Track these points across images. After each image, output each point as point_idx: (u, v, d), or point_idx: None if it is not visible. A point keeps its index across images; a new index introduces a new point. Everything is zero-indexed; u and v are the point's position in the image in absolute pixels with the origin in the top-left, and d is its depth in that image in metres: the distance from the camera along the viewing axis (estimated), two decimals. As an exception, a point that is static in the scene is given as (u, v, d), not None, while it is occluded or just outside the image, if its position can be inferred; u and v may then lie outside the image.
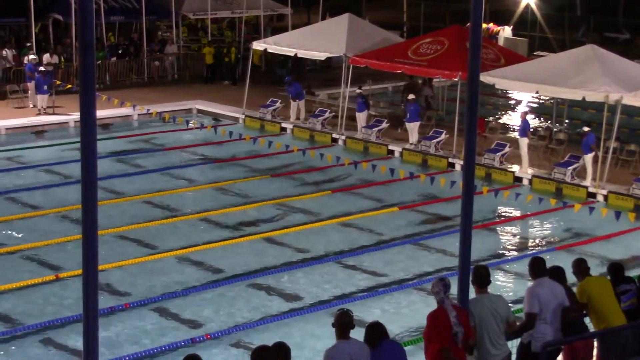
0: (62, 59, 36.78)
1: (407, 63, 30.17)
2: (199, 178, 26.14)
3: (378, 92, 38.44)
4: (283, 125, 32.41)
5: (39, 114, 31.84)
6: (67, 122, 31.53)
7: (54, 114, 31.91)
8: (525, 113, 28.71)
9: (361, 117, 31.11)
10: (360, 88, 32.12)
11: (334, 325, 9.70)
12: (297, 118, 32.80)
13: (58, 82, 34.00)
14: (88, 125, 6.73)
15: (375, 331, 10.00)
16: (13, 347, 15.65)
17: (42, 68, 32.67)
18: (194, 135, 31.28)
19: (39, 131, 31.03)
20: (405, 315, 17.08)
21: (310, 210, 23.52)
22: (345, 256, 20.32)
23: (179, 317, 16.94)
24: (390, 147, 29.63)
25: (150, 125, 32.38)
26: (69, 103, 32.49)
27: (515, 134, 29.55)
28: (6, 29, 40.56)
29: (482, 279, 10.57)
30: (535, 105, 36.48)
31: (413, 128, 29.61)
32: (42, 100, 32.08)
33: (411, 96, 30.44)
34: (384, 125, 30.73)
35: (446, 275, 10.75)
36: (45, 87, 32.04)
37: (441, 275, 13.77)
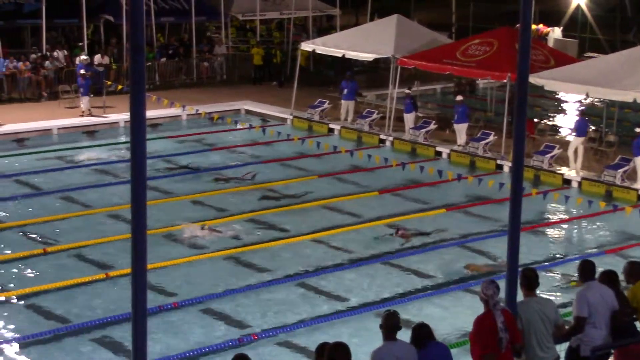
0: (113, 60, 37.10)
1: (456, 64, 30.05)
2: (247, 178, 26.20)
3: (426, 93, 38.30)
4: (331, 126, 32.43)
5: (82, 116, 32.07)
6: (117, 122, 31.82)
7: (97, 115, 32.10)
8: (582, 112, 28.46)
9: (409, 118, 31.05)
10: (409, 89, 32.05)
11: (381, 326, 9.70)
12: (346, 119, 32.82)
13: (109, 83, 34.31)
14: (138, 126, 6.78)
15: (422, 332, 9.98)
16: (63, 346, 15.82)
17: (82, 71, 32.91)
18: (242, 135, 31.41)
19: (89, 131, 31.33)
20: (452, 317, 17.01)
21: (358, 212, 23.51)
22: (393, 257, 20.28)
23: (226, 317, 17.02)
24: (438, 149, 29.53)
25: (199, 125, 32.57)
26: (119, 103, 32.78)
27: (567, 136, 29.32)
28: (58, 30, 41.00)
29: (531, 281, 10.50)
30: (585, 107, 36.12)
31: (461, 129, 29.49)
32: (84, 102, 32.33)
33: (459, 97, 30.32)
34: (432, 126, 30.63)
35: (495, 278, 10.68)
36: (82, 90, 32.30)
37: (490, 278, 13.72)
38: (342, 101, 33.05)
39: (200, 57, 40.22)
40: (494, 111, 33.55)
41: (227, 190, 24.83)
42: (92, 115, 32.06)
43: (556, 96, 37.53)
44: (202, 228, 21.39)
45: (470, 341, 10.20)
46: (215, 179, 24.19)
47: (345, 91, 32.99)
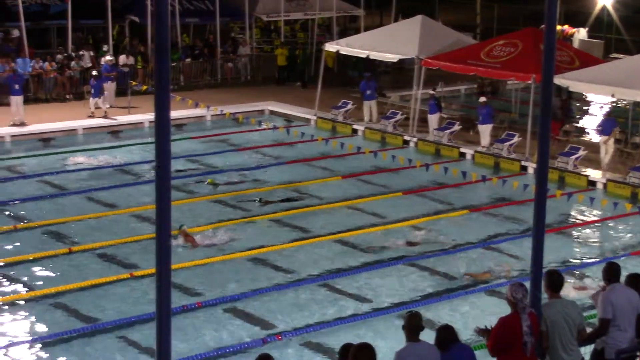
0: (139, 60, 37.24)
1: (480, 65, 29.97)
2: (270, 179, 26.25)
3: (451, 94, 38.23)
4: (354, 126, 32.42)
5: (90, 117, 32.02)
6: (141, 123, 31.93)
7: (109, 117, 32.07)
8: (609, 113, 28.31)
9: (433, 119, 31.00)
10: (433, 90, 32.00)
11: (403, 327, 9.69)
12: (370, 119, 32.80)
13: (134, 83, 34.44)
14: (162, 126, 6.81)
15: (446, 334, 9.97)
16: (88, 345, 15.90)
17: (94, 72, 33.00)
18: (266, 136, 31.44)
19: (114, 131, 31.46)
20: (476, 318, 16.94)
21: (382, 212, 23.49)
22: (416, 259, 20.25)
23: (250, 318, 17.05)
24: (462, 150, 29.46)
25: (223, 125, 32.62)
26: (144, 103, 32.89)
27: (592, 138, 29.20)
28: (84, 31, 41.20)
29: (556, 283, 10.46)
30: (611, 108, 35.93)
31: (485, 130, 29.42)
32: (93, 103, 32.31)
33: (482, 99, 30.24)
34: (456, 127, 30.57)
35: (520, 280, 10.64)
36: (92, 91, 32.33)
37: (516, 280, 13.68)
38: (364, 102, 33.04)
39: (224, 58, 40.29)
40: (519, 112, 33.42)
41: (250, 191, 24.86)
42: (105, 117, 31.99)
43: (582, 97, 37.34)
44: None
45: (490, 338, 10.13)
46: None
47: (369, 92, 32.98)
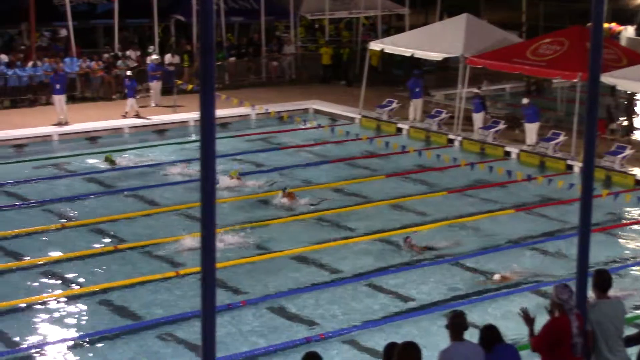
0: (185, 59, 37.45)
1: (526, 63, 29.79)
2: (315, 177, 26.28)
3: (496, 93, 38.02)
4: (399, 125, 32.36)
5: (124, 117, 32.09)
6: (187, 121, 32.11)
7: (143, 117, 32.13)
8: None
9: (478, 118, 30.86)
10: (478, 89, 31.85)
11: (447, 326, 9.66)
12: (414, 118, 32.72)
13: (179, 82, 34.64)
14: (207, 124, 6.85)
15: (490, 334, 9.92)
16: (134, 341, 16.02)
17: (129, 73, 33.13)
18: (310, 135, 31.48)
19: (160, 130, 31.66)
20: (520, 319, 16.84)
21: (426, 211, 23.43)
22: (461, 258, 20.17)
23: (293, 316, 17.09)
24: (507, 149, 29.30)
25: (268, 124, 32.71)
26: (189, 102, 33.07)
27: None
28: (130, 30, 41.53)
29: (603, 283, 10.36)
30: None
31: (532, 129, 29.22)
32: (129, 104, 32.33)
33: (525, 100, 30.03)
34: (501, 126, 30.41)
35: (565, 281, 10.56)
36: (127, 91, 32.42)
37: (563, 280, 13.57)
38: (412, 100, 32.98)
39: (269, 57, 40.40)
40: (564, 111, 33.17)
41: (294, 190, 24.91)
42: (138, 117, 32.04)
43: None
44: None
45: (538, 335, 10.06)
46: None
47: (417, 90, 32.92)
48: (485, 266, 19.66)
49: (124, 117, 32.10)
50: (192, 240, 20.02)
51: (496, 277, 18.87)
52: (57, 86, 31.17)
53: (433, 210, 23.54)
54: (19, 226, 21.52)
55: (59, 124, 30.71)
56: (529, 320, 10.19)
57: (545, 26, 46.01)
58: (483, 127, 30.48)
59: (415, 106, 32.86)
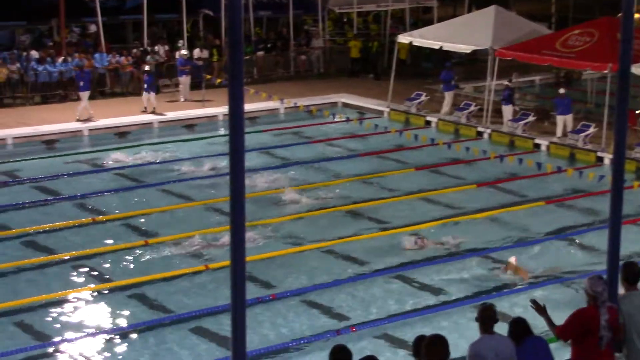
0: (214, 53, 37.52)
1: (555, 55, 29.62)
2: (344, 171, 26.28)
3: (525, 85, 37.84)
4: (428, 118, 32.30)
5: (144, 112, 32.05)
6: (216, 116, 32.19)
7: (159, 113, 32.05)
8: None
9: (507, 110, 30.73)
10: (509, 81, 31.72)
11: (477, 319, 9.64)
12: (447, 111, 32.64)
13: (208, 77, 34.73)
14: (236, 119, 6.87)
15: (520, 327, 9.90)
16: (164, 335, 16.10)
17: (147, 68, 33.10)
18: (339, 128, 31.48)
19: (189, 124, 31.76)
20: (550, 311, 16.77)
21: (455, 204, 23.38)
22: (490, 251, 20.12)
23: (323, 309, 17.11)
24: (536, 141, 29.17)
25: (296, 118, 32.74)
26: (218, 97, 33.16)
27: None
28: (159, 25, 41.67)
29: (633, 275, 10.30)
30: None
31: (566, 120, 29.04)
32: (147, 99, 32.24)
33: (562, 90, 29.87)
34: (530, 118, 30.27)
35: (595, 273, 10.49)
36: (145, 86, 32.32)
37: (594, 273, 13.47)
38: (444, 92, 32.92)
39: (297, 51, 40.42)
40: (594, 102, 32.97)
41: (323, 184, 24.93)
42: (155, 113, 31.90)
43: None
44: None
45: (562, 330, 10.02)
46: None
47: (450, 82, 32.85)
48: (519, 259, 19.54)
49: (143, 112, 32.06)
50: (220, 235, 20.10)
51: (512, 259, 18.79)
52: (81, 83, 31.28)
53: (462, 203, 23.48)
54: (51, 221, 21.67)
55: (82, 120, 30.71)
56: (540, 309, 10.17)
57: (574, 17, 45.74)
58: (512, 120, 30.35)
59: (449, 98, 32.77)
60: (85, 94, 31.12)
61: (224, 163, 25.97)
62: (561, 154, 28.27)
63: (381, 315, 16.82)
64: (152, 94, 32.20)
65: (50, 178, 25.22)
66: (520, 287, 18.06)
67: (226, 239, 18.98)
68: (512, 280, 18.45)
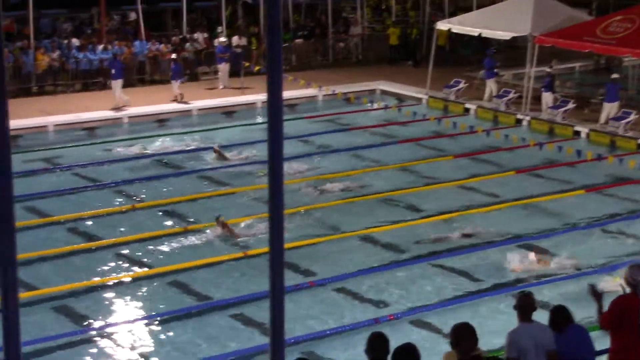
0: (253, 41, 37.58)
1: (596, 42, 29.36)
2: (383, 158, 26.25)
3: (565, 72, 37.55)
4: (466, 105, 32.17)
5: (175, 100, 31.92)
6: (254, 103, 32.25)
7: (185, 102, 31.86)
8: None
9: (548, 98, 30.52)
10: (550, 68, 31.50)
11: (515, 307, 9.62)
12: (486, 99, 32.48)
13: (247, 64, 34.80)
14: (275, 106, 6.88)
15: (560, 315, 9.86)
16: (203, 322, 16.20)
17: (174, 56, 32.98)
18: (378, 115, 31.43)
19: (228, 112, 31.86)
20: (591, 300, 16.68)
21: (494, 192, 23.29)
22: (528, 239, 20.01)
23: (362, 297, 17.12)
24: (576, 128, 28.96)
25: (334, 105, 32.72)
26: (257, 84, 33.23)
27: None
28: (198, 12, 41.78)
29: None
30: None
31: (611, 108, 28.77)
32: (175, 87, 32.12)
33: (614, 75, 29.59)
34: (570, 105, 30.05)
35: (636, 262, 10.44)
36: (171, 74, 32.17)
37: (633, 261, 13.39)
38: (487, 80, 32.77)
39: (336, 38, 40.38)
40: (635, 89, 32.65)
41: (362, 171, 24.93)
42: (181, 102, 31.77)
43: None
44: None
45: (604, 319, 9.97)
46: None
47: (492, 69, 32.67)
48: (552, 248, 19.46)
49: (174, 101, 31.89)
50: (259, 221, 20.15)
51: (531, 256, 18.61)
52: (112, 71, 31.31)
53: (501, 190, 23.38)
54: (91, 208, 21.84)
55: (116, 109, 30.79)
56: (596, 295, 10.11)
57: (615, 3, 45.22)
58: (552, 107, 30.15)
59: (492, 86, 32.58)
60: (117, 82, 31.11)
61: (262, 150, 26.02)
62: (601, 141, 28.05)
63: (420, 302, 16.80)
64: (178, 82, 32.14)
65: (91, 165, 25.41)
66: (560, 276, 17.94)
67: (265, 226, 19.03)
68: (551, 268, 18.31)
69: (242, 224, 20.54)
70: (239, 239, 19.77)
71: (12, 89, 31.46)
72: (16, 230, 3.23)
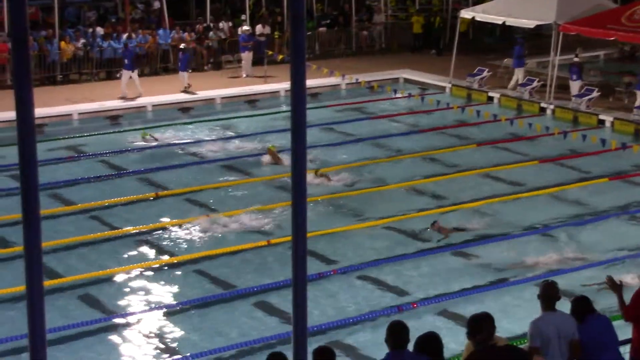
0: (276, 29, 37.57)
1: (621, 30, 29.17)
2: (406, 147, 26.21)
3: (589, 60, 37.34)
4: (490, 94, 32.05)
5: (184, 91, 31.56)
6: (277, 92, 32.27)
7: (191, 92, 31.53)
8: None
9: (575, 86, 30.33)
10: (576, 56, 31.30)
11: (539, 296, 9.60)
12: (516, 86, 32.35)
13: (270, 52, 34.79)
14: (298, 95, 6.88)
15: (582, 305, 9.83)
16: (225, 310, 16.25)
17: (182, 46, 32.66)
18: (401, 104, 31.39)
19: (251, 100, 31.89)
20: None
21: (517, 181, 23.22)
22: (552, 228, 19.95)
23: (385, 285, 17.13)
24: (600, 117, 28.80)
25: (358, 94, 32.68)
26: (280, 73, 33.23)
27: None
28: (222, 1, 41.78)
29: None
30: None
31: None
32: (183, 78, 31.78)
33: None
34: (595, 94, 29.89)
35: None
36: (179, 64, 31.87)
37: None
38: (515, 68, 32.63)
39: (359, 26, 40.30)
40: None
41: (385, 160, 24.91)
42: (188, 92, 31.43)
43: None
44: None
45: (628, 311, 9.95)
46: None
47: (521, 57, 32.53)
48: (576, 237, 19.39)
49: (184, 91, 31.53)
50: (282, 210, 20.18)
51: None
52: (125, 61, 31.08)
53: (525, 179, 23.31)
54: (115, 196, 21.94)
55: (124, 98, 30.52)
56: (615, 287, 10.08)
57: (641, -9, 44.94)
58: (576, 95, 30.01)
59: (519, 73, 32.40)
60: (126, 73, 30.81)
61: (285, 139, 26.05)
62: (626, 130, 27.89)
63: (443, 291, 16.79)
64: (186, 73, 31.80)
65: (115, 153, 25.51)
66: (583, 264, 17.89)
67: (287, 214, 19.06)
68: (574, 258, 18.26)
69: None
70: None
71: (37, 78, 31.63)
72: (41, 218, 3.26)
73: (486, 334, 8.59)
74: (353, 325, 15.55)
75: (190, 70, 32.56)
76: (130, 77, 30.85)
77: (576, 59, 30.89)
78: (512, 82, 32.44)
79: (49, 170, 23.12)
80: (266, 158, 22.14)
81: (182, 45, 32.95)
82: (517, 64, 32.64)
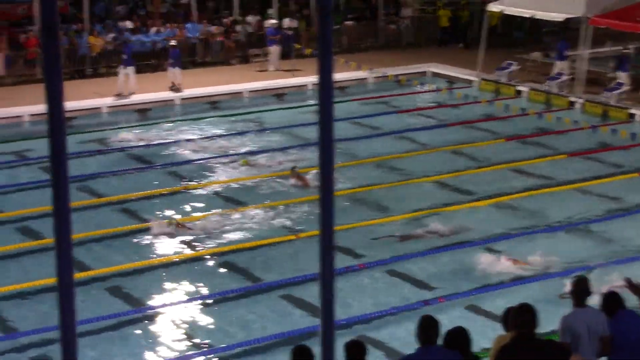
0: (304, 23, 37.56)
1: (651, 23, 28.98)
2: (433, 141, 26.15)
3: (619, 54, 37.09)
4: (518, 88, 31.90)
5: (172, 88, 30.87)
6: (305, 85, 32.27)
7: (181, 90, 30.94)
8: None
9: (623, 77, 30.06)
10: (625, 49, 31.08)
11: (570, 292, 9.56)
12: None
13: (298, 46, 34.79)
14: (326, 88, 6.88)
15: (612, 300, 9.78)
16: (253, 303, 16.26)
17: (172, 42, 31.98)
18: (428, 98, 31.31)
19: (279, 94, 31.91)
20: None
21: (545, 175, 23.11)
22: (580, 223, 19.84)
23: (412, 280, 17.09)
24: (631, 111, 28.60)
25: (385, 88, 32.62)
26: (307, 66, 33.22)
27: None
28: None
29: None
30: None
31: None
32: (172, 75, 31.09)
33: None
34: (625, 88, 29.68)
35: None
36: (171, 60, 31.17)
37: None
38: (556, 62, 32.37)
39: (386, 20, 40.21)
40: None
41: (414, 153, 24.85)
42: (177, 90, 30.72)
43: None
44: (170, 224, 19.48)
45: None
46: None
47: (564, 52, 32.26)
48: (605, 233, 19.27)
49: (172, 89, 30.92)
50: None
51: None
52: (124, 56, 30.58)
53: (553, 173, 23.19)
54: (143, 189, 22.03)
55: (119, 95, 30.09)
56: (634, 288, 10.03)
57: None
58: (606, 89, 29.81)
59: (562, 68, 32.01)
60: (124, 70, 30.31)
61: (312, 133, 26.04)
62: (656, 124, 27.72)
63: (470, 286, 16.73)
64: (177, 69, 31.12)
65: (143, 146, 25.60)
66: (612, 260, 17.77)
67: (314, 208, 19.06)
68: (603, 253, 18.16)
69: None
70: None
71: (67, 71, 31.79)
72: (71, 210, 3.27)
73: (528, 327, 8.52)
74: (380, 319, 15.52)
75: (179, 68, 31.30)
76: (127, 74, 30.36)
77: (625, 51, 30.61)
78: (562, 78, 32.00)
79: (78, 163, 23.24)
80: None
81: (172, 42, 32.23)
82: (559, 58, 32.21)
